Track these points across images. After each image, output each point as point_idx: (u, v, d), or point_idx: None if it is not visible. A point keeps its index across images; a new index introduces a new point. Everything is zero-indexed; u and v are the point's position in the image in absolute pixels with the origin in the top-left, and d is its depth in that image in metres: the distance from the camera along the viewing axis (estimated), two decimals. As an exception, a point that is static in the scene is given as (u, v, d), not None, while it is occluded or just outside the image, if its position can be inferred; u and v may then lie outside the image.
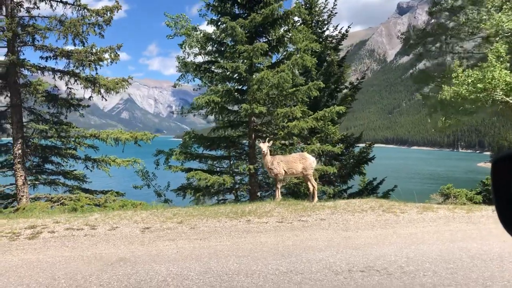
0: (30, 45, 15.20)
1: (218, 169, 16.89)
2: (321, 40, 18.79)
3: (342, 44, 19.26)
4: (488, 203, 15.56)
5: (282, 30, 14.98)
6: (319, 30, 18.93)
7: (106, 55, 15.03)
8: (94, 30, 15.06)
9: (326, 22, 18.97)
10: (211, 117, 17.00)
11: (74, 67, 15.61)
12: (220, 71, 14.70)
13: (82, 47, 14.85)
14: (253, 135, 15.19)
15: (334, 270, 5.69)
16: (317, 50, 17.92)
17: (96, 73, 15.89)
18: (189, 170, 15.14)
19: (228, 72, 14.01)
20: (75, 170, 16.96)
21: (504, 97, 14.13)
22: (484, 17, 15.16)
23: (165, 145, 19.29)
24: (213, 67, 15.24)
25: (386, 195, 17.95)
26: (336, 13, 19.05)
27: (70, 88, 15.96)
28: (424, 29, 19.24)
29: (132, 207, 11.94)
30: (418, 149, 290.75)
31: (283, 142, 16.62)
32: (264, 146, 10.84)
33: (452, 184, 17.73)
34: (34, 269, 5.90)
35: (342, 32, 19.24)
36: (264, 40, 15.44)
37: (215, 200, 15.93)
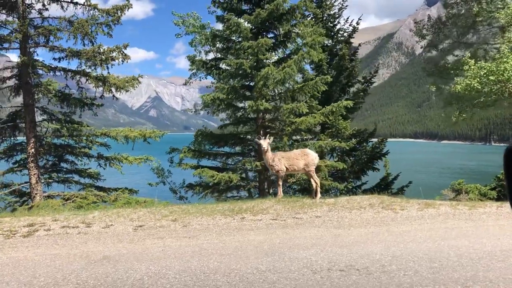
0: (41, 46, 15.49)
1: (231, 166, 16.79)
2: (332, 34, 18.57)
3: (353, 37, 18.92)
4: (502, 199, 15.10)
5: (289, 25, 14.79)
6: (330, 24, 18.66)
7: (115, 54, 15.16)
8: (103, 30, 15.22)
9: (337, 15, 18.70)
10: (224, 114, 16.99)
11: (86, 66, 15.85)
12: (228, 68, 14.63)
13: (90, 47, 15.03)
14: (261, 132, 15.08)
15: (313, 269, 5.58)
16: (328, 44, 17.73)
17: (108, 72, 16.07)
18: (197, 167, 15.16)
19: (234, 69, 13.94)
20: (89, 168, 17.18)
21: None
22: (499, 6, 14.66)
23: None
24: (220, 64, 15.20)
25: (400, 191, 17.64)
26: (346, 6, 18.78)
27: (82, 88, 16.21)
28: (437, 20, 18.75)
29: (136, 204, 12.05)
30: (449, 143, 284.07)
31: (295, 138, 16.51)
32: (264, 143, 10.75)
33: (463, 179, 17.26)
34: (18, 267, 5.97)
35: (353, 25, 18.93)
36: (272, 36, 15.34)
37: (224, 197, 15.89)
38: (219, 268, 5.73)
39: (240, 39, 14.20)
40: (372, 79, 19.02)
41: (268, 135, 11.35)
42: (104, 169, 16.99)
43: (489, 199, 14.99)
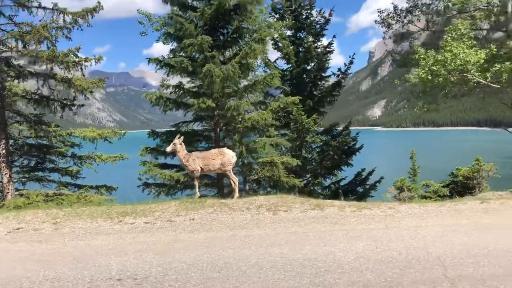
0: (8, 51, 16.10)
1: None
2: (305, 26, 18.10)
3: (326, 29, 18.29)
4: (455, 196, 14.16)
5: (237, 21, 14.50)
6: (302, 17, 18.14)
7: (69, 57, 15.56)
8: (63, 33, 15.66)
9: (308, 7, 18.14)
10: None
11: (60, 69, 16.40)
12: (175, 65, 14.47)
13: (46, 51, 15.43)
14: (218, 129, 15.00)
15: (103, 277, 5.53)
16: (301, 37, 17.42)
17: (82, 74, 16.55)
18: (158, 166, 15.24)
19: (177, 67, 13.87)
20: (69, 167, 17.73)
21: (477, 78, 12.73)
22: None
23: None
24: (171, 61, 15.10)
25: (372, 187, 17.02)
26: (318, -3, 18.19)
27: (52, 89, 16.75)
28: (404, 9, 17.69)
29: (69, 203, 12.38)
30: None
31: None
32: (176, 142, 10.70)
33: (405, 177, 16.34)
34: None
35: (325, 17, 18.29)
36: (225, 32, 15.15)
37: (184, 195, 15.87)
38: (21, 274, 5.78)
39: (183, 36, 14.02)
40: (348, 70, 18.31)
41: (178, 135, 11.18)
42: (80, 167, 17.51)
43: (439, 196, 14.15)
